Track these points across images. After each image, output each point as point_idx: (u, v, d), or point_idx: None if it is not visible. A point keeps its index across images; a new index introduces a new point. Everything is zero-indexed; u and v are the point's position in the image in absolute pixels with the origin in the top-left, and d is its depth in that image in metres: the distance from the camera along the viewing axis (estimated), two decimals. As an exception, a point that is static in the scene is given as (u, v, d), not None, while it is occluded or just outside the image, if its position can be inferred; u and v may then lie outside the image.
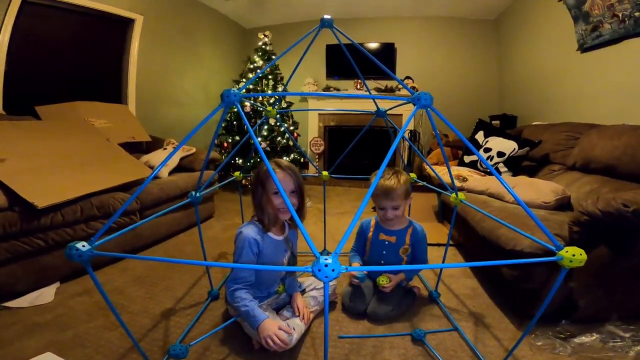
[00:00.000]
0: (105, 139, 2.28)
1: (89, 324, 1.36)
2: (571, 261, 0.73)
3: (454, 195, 1.37)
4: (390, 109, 1.73)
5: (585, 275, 1.20)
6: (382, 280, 1.44)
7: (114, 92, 3.35)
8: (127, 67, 3.37)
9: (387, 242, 1.52)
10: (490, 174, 2.48)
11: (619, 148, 1.77)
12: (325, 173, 1.96)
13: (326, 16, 1.35)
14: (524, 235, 0.94)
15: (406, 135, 4.41)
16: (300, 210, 1.33)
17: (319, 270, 0.60)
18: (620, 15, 2.28)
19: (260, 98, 4.03)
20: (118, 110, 2.89)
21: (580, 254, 0.72)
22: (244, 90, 1.00)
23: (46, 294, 1.55)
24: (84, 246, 0.77)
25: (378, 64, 1.15)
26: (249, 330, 1.24)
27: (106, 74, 3.30)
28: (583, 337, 1.21)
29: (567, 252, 0.73)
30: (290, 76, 1.62)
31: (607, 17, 2.38)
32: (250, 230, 1.29)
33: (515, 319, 1.43)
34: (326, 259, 0.60)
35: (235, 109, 3.98)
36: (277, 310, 1.40)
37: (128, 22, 3.35)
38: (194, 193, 1.37)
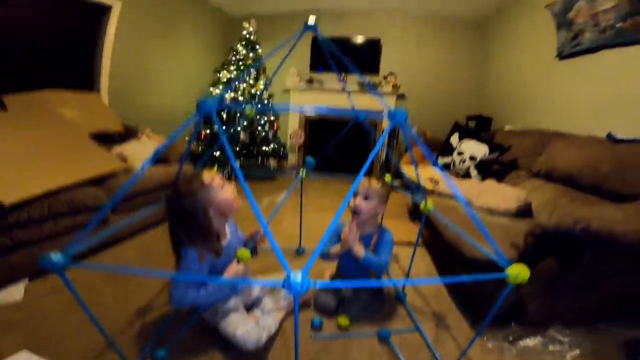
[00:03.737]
0: (74, 130, 2.20)
1: (63, 321, 1.35)
2: (515, 278, 0.81)
3: (423, 203, 1.43)
4: (367, 115, 1.77)
5: (534, 283, 1.30)
6: (343, 322, 1.44)
7: (86, 80, 3.18)
8: (102, 55, 3.19)
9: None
10: (463, 176, 2.58)
11: (581, 159, 1.87)
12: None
13: (310, 21, 1.34)
14: (479, 249, 1.01)
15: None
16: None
17: (289, 285, 0.65)
18: (602, 25, 2.31)
19: (242, 88, 3.99)
20: (88, 100, 2.76)
21: (524, 272, 0.80)
22: (223, 91, 1.01)
23: (15, 292, 1.51)
24: (57, 256, 0.75)
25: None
26: (229, 336, 1.25)
27: (78, 61, 3.13)
28: (528, 340, 1.32)
29: (512, 269, 0.80)
30: (274, 73, 1.61)
31: (590, 25, 2.41)
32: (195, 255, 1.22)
33: (470, 320, 1.52)
34: (296, 275, 0.65)
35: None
36: (248, 309, 1.42)
37: (105, 9, 3.16)
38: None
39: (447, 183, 2.37)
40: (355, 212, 1.46)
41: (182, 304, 1.18)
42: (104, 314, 1.42)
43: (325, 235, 0.72)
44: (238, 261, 1.24)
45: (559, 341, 1.30)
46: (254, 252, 1.39)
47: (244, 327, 1.24)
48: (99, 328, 0.95)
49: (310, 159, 1.80)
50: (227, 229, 1.40)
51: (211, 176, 1.26)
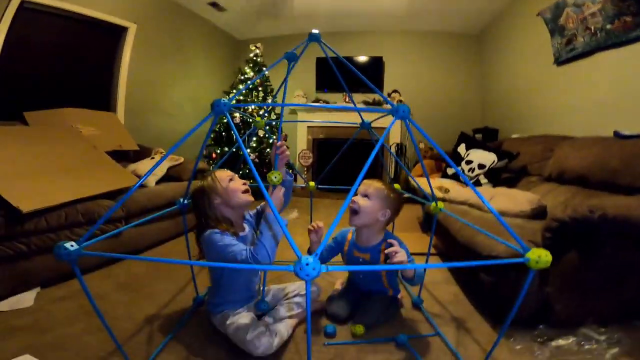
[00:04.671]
0: (92, 147, 2.28)
1: (69, 328, 1.35)
2: (537, 262, 0.76)
3: (433, 204, 1.41)
4: (372, 120, 1.79)
5: (559, 280, 1.26)
6: (357, 330, 1.38)
7: (103, 100, 3.34)
8: (118, 75, 3.38)
9: (361, 259, 1.48)
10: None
11: (589, 158, 1.87)
12: (312, 184, 1.99)
13: (314, 31, 1.40)
14: (497, 240, 0.99)
15: (393, 148, 4.49)
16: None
17: (301, 269, 0.63)
18: (592, 28, 2.39)
19: (250, 109, 4.09)
20: (106, 118, 2.90)
21: (546, 255, 0.76)
22: (234, 101, 1.04)
23: (26, 298, 1.54)
24: (72, 246, 0.79)
25: (363, 79, 1.21)
26: (240, 341, 1.23)
27: (97, 82, 3.31)
28: (560, 341, 1.24)
29: (532, 253, 0.77)
30: (280, 87, 1.66)
31: (581, 30, 2.50)
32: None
33: (494, 323, 1.47)
34: (307, 259, 0.63)
35: (225, 120, 4.02)
36: (260, 317, 1.39)
37: (121, 30, 3.37)
38: (182, 200, 1.40)
39: (460, 181, 2.37)
40: (352, 211, 1.38)
41: (269, 257, 1.15)
42: (113, 321, 1.40)
43: (326, 237, 0.72)
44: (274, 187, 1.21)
45: (595, 339, 1.22)
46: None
47: (255, 332, 1.21)
48: (106, 327, 0.94)
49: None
50: (245, 226, 1.43)
51: (221, 171, 1.36)
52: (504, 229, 1.45)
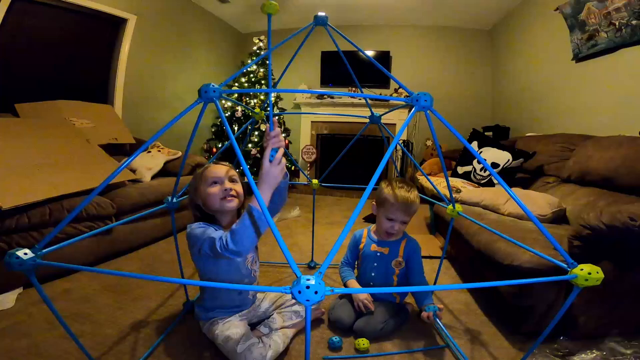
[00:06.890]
0: (85, 140, 2.17)
1: (48, 332, 1.25)
2: (586, 280, 0.66)
3: (450, 207, 1.29)
4: (385, 113, 1.66)
5: (587, 292, 1.13)
6: (362, 344, 1.25)
7: (100, 92, 3.24)
8: (117, 67, 3.27)
9: (378, 254, 1.43)
10: (484, 185, 2.42)
11: (616, 159, 1.72)
12: (315, 181, 1.87)
13: (320, 13, 1.28)
14: (527, 250, 0.87)
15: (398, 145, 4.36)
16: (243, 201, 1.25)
17: (300, 293, 0.50)
18: (617, 24, 2.27)
19: (253, 103, 3.96)
20: (102, 111, 2.78)
21: (597, 272, 0.65)
22: (225, 86, 0.92)
23: (6, 300, 1.43)
24: (26, 254, 0.67)
25: (379, 66, 1.08)
26: (229, 353, 1.12)
27: (94, 74, 3.21)
28: (583, 355, 1.14)
29: (582, 270, 0.65)
30: (283, 73, 1.53)
31: (604, 25, 2.38)
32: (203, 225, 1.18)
33: (510, 336, 1.34)
34: (308, 279, 0.50)
35: (227, 112, 3.90)
36: (253, 326, 1.29)
37: (121, 22, 3.26)
38: (169, 198, 1.28)
39: (469, 189, 2.23)
40: (389, 233, 1.39)
41: (245, 247, 0.98)
42: (97, 326, 1.32)
43: (334, 248, 0.58)
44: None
45: (621, 353, 1.12)
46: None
47: (246, 343, 1.10)
48: (73, 337, 0.85)
49: None
50: None
51: (216, 166, 1.24)
52: (525, 234, 1.34)
